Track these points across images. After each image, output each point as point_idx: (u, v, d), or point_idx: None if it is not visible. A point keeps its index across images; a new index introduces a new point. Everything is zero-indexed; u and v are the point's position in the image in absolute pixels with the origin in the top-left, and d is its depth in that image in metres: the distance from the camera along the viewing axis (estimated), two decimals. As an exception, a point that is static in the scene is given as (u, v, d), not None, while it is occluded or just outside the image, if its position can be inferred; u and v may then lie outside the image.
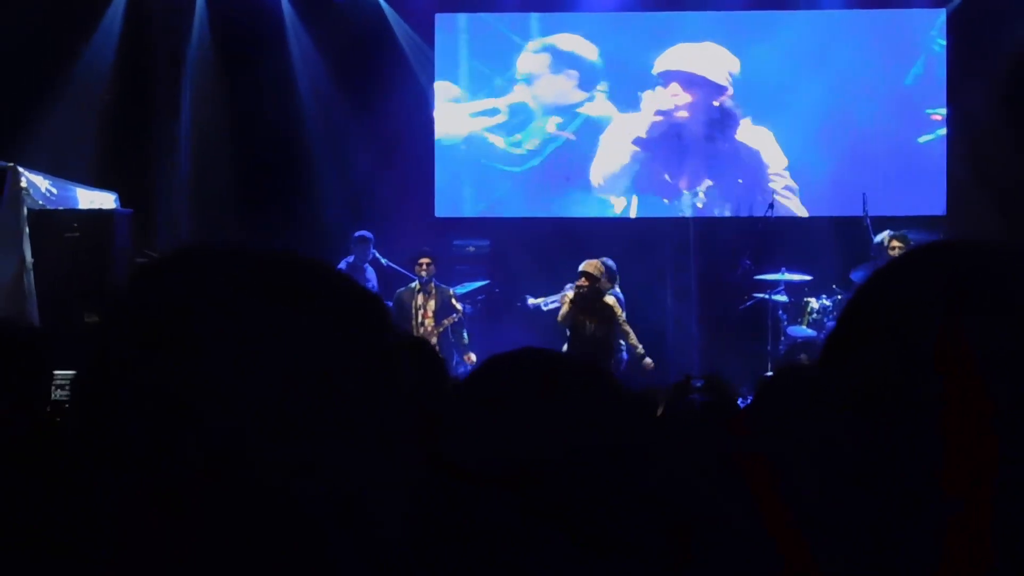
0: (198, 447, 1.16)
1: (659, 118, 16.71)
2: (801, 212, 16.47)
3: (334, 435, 1.20)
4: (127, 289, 1.25)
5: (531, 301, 14.80)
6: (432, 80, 16.87)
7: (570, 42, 16.87)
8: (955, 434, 1.16)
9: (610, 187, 16.78)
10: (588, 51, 16.79)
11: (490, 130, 16.92)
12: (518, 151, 16.91)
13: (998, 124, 15.90)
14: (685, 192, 16.73)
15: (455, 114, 16.92)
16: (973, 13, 16.23)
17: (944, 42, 16.34)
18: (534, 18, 16.84)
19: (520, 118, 16.95)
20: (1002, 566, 1.14)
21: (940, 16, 16.38)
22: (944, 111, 16.33)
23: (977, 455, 1.15)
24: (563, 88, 16.88)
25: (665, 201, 16.75)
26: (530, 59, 16.89)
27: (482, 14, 16.88)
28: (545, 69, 16.91)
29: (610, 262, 14.24)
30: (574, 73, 16.85)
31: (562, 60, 16.87)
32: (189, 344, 1.18)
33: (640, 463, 1.49)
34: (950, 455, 1.16)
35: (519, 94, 16.90)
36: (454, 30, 16.88)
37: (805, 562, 1.22)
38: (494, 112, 16.95)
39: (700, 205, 16.68)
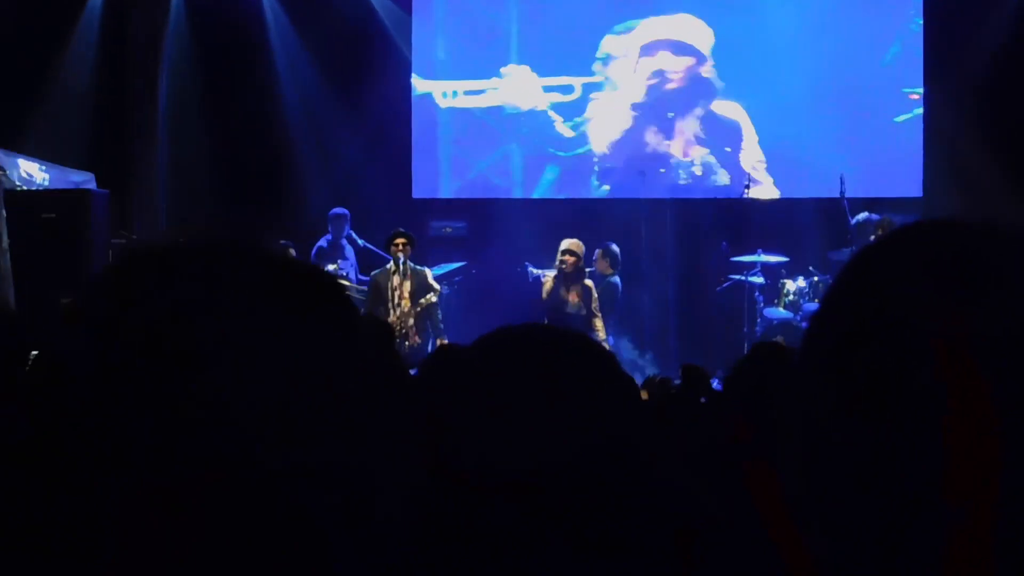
0: (201, 449, 1.16)
1: (652, 82, 16.73)
2: (772, 191, 16.48)
3: (337, 438, 1.20)
4: (124, 283, 1.24)
5: (532, 270, 14.81)
6: (410, 59, 16.83)
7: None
8: (957, 434, 1.16)
9: (613, 157, 16.77)
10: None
11: (556, 108, 16.88)
12: (572, 134, 16.90)
13: (974, 105, 15.95)
14: (680, 159, 16.72)
15: (522, 86, 16.83)
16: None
17: (921, 21, 16.36)
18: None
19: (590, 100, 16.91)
20: (1005, 568, 1.14)
21: (918, -4, 16.44)
22: (921, 90, 16.37)
23: (979, 456, 1.15)
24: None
25: (661, 171, 16.75)
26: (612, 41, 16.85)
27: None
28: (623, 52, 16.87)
29: (614, 247, 14.34)
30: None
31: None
32: (192, 346, 1.18)
33: (643, 465, 1.49)
34: (951, 456, 1.16)
35: (598, 75, 16.87)
36: (432, 10, 16.85)
37: (805, 564, 1.22)
38: (568, 90, 16.91)
39: (699, 172, 16.67)
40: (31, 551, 1.23)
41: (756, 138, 16.55)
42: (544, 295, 13.86)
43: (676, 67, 16.70)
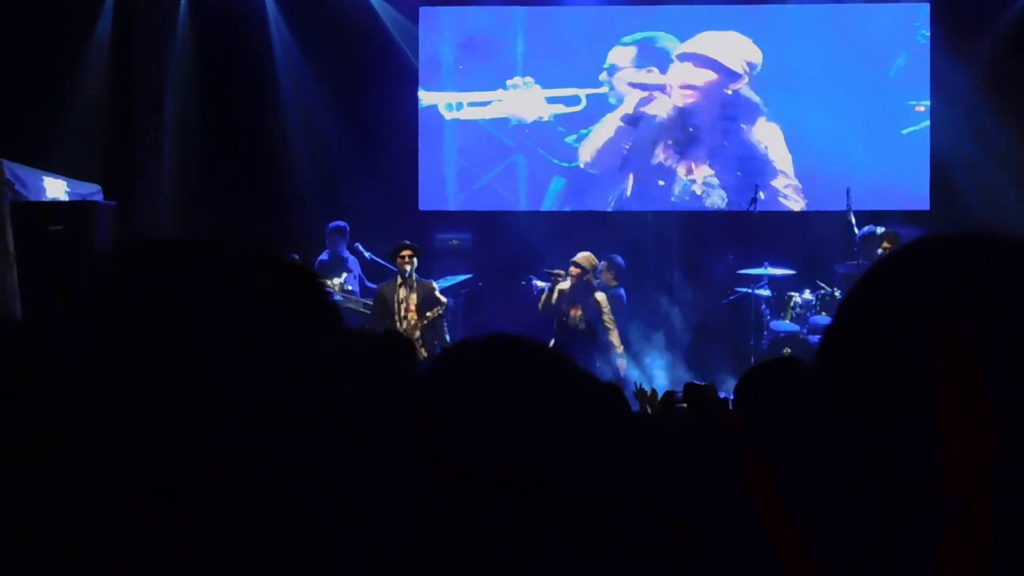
0: (199, 448, 1.16)
1: (665, 98, 16.72)
2: (798, 206, 16.49)
3: (334, 436, 1.20)
4: (122, 284, 1.24)
5: (537, 283, 14.80)
6: (417, 71, 16.85)
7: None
8: (953, 432, 1.16)
9: (599, 164, 16.76)
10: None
11: (562, 119, 16.89)
12: (578, 146, 16.92)
13: (981, 117, 15.94)
14: (683, 178, 16.70)
15: (528, 98, 16.84)
16: (957, 5, 16.26)
17: (928, 34, 16.37)
18: (518, 12, 16.82)
19: (596, 112, 16.94)
20: (1001, 565, 1.14)
21: (924, 9, 16.40)
22: (928, 103, 16.36)
23: (975, 454, 1.15)
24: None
25: (661, 183, 16.72)
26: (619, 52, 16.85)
27: (467, 8, 16.87)
28: (629, 63, 16.88)
29: (619, 259, 14.33)
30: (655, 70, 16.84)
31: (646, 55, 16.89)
32: (190, 347, 1.18)
33: (639, 462, 1.49)
34: (948, 454, 1.16)
35: (603, 87, 16.87)
36: (438, 23, 16.88)
37: (803, 561, 1.22)
38: (574, 101, 16.90)
39: (699, 192, 16.64)
40: (31, 550, 1.23)
41: (788, 159, 16.53)
42: (540, 305, 13.85)
43: (699, 81, 16.71)
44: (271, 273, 1.26)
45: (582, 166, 16.75)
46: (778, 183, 16.50)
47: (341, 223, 15.09)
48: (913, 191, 16.26)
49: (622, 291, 14.48)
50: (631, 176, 16.73)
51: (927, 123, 16.36)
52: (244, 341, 1.19)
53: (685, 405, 8.62)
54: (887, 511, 1.19)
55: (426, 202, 16.79)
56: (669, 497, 1.46)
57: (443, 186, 16.91)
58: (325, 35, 16.63)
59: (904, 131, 16.41)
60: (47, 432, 1.25)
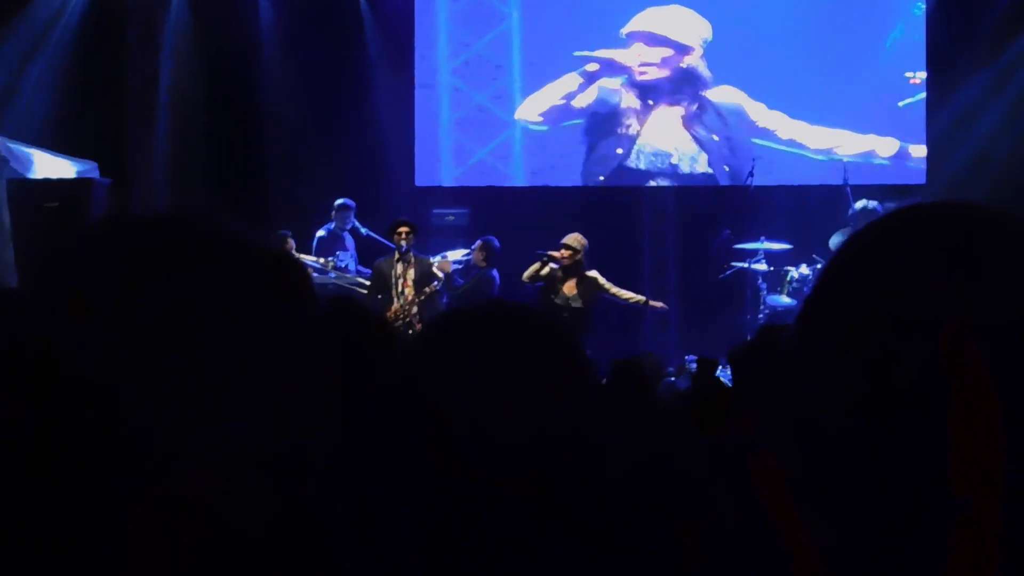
0: (207, 449, 1.16)
1: (622, 77, 16.75)
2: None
3: (341, 436, 1.20)
4: (128, 278, 1.24)
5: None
6: (413, 46, 16.82)
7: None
8: (963, 433, 1.15)
9: (602, 143, 16.82)
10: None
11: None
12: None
13: (978, 89, 15.93)
14: (654, 151, 16.69)
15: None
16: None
17: (924, 6, 16.34)
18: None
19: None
20: (1010, 566, 1.14)
21: (920, -20, 16.41)
22: (924, 75, 16.34)
23: (985, 454, 1.15)
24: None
25: (641, 164, 16.76)
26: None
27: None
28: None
29: (495, 241, 14.31)
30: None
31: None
32: (196, 346, 1.17)
33: (648, 464, 1.48)
34: (957, 455, 1.15)
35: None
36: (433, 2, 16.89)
37: (814, 563, 1.21)
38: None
39: (675, 162, 16.64)
40: (34, 551, 1.23)
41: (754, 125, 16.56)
42: (526, 276, 13.79)
43: (654, 58, 16.69)
44: (269, 266, 1.25)
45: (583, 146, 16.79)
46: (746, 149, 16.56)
47: (349, 201, 15.09)
48: (910, 164, 16.26)
49: (494, 272, 14.38)
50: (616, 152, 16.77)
51: (923, 95, 16.34)
52: (253, 342, 1.19)
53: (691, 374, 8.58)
54: (897, 513, 1.18)
55: (422, 178, 16.77)
56: (678, 499, 1.45)
57: (438, 162, 16.90)
58: (320, 10, 16.59)
59: (901, 103, 16.40)
60: (52, 433, 1.25)
